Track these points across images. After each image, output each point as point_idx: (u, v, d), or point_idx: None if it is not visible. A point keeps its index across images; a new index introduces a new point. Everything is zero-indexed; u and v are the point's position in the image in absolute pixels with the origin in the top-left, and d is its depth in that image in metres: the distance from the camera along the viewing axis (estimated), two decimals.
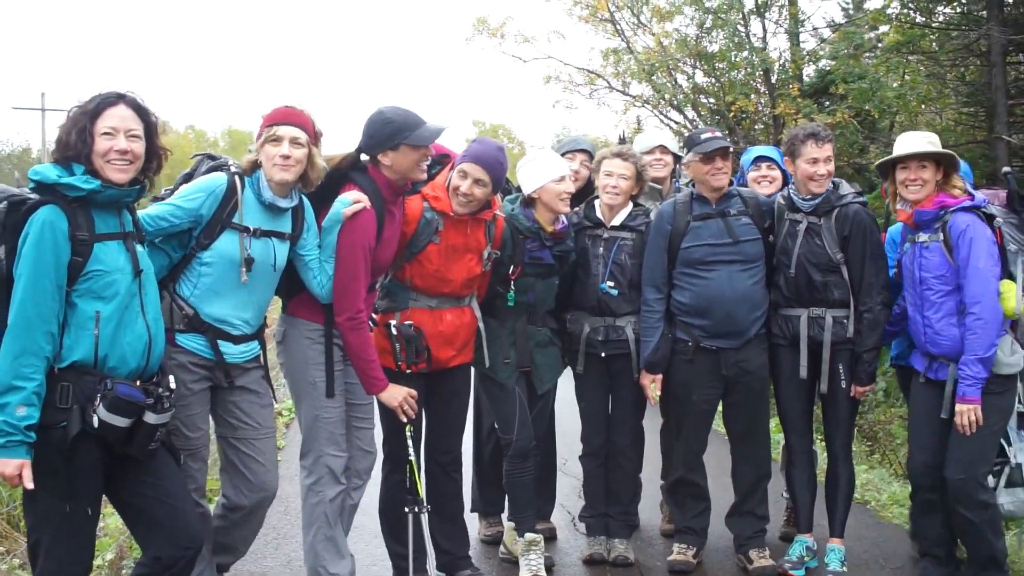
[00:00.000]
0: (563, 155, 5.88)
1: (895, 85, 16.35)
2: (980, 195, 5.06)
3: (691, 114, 18.15)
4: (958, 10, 15.43)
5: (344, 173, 4.71)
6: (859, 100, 15.29)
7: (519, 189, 5.53)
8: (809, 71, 17.58)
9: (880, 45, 16.60)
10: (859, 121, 15.63)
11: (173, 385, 3.85)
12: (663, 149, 6.24)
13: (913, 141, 5.10)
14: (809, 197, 5.34)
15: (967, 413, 4.83)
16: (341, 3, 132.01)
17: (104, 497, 3.86)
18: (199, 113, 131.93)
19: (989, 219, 4.95)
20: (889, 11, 16.24)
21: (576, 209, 5.66)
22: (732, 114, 16.54)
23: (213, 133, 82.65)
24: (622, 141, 7.04)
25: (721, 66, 16.99)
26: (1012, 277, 4.95)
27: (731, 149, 5.43)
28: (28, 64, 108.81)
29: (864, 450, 10.46)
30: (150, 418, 3.65)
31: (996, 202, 5.16)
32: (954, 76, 16.23)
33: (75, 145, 3.56)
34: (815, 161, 5.29)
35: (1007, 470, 5.07)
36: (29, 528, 3.68)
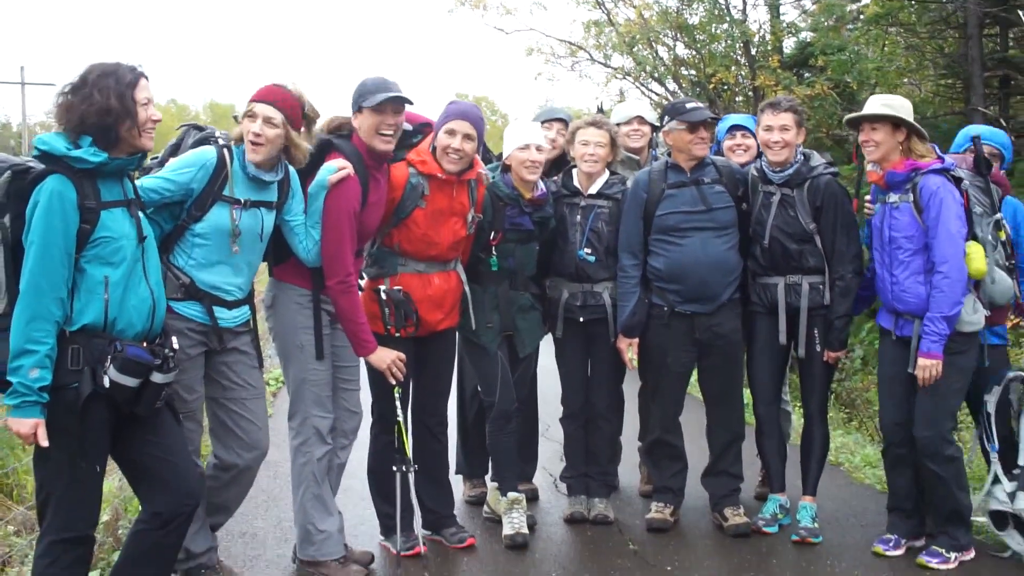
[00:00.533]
0: (541, 124, 6.03)
1: (874, 57, 16.50)
2: (949, 159, 5.21)
3: (672, 86, 18.23)
4: None
5: (328, 140, 4.85)
6: (838, 72, 15.41)
7: (499, 157, 5.68)
8: (789, 43, 17.68)
9: (862, 17, 16.69)
10: (838, 93, 15.76)
11: (176, 346, 3.98)
12: (640, 120, 6.37)
13: (870, 104, 5.27)
14: (779, 169, 5.50)
15: (929, 368, 5.01)
16: None
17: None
18: (180, 87, 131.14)
19: (957, 182, 5.11)
20: None
21: (555, 178, 5.81)
22: (712, 86, 16.63)
23: (195, 107, 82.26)
24: (600, 111, 7.17)
25: (702, 38, 17.07)
26: (977, 239, 5.11)
27: (712, 120, 5.57)
28: (7, 38, 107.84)
29: (842, 416, 10.67)
30: (157, 378, 3.78)
31: (964, 166, 5.30)
32: (932, 48, 16.35)
33: (124, 112, 3.67)
34: (769, 129, 5.46)
35: (1019, 473, 5.22)
36: (38, 484, 3.80)
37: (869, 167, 5.30)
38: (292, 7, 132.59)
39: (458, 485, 6.23)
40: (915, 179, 5.09)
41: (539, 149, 5.38)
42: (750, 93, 16.60)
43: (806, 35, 17.44)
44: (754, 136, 5.99)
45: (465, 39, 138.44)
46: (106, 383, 3.67)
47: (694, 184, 5.55)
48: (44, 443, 3.57)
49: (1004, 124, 13.73)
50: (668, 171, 5.62)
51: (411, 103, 4.92)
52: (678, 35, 17.57)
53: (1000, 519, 5.25)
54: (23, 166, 3.68)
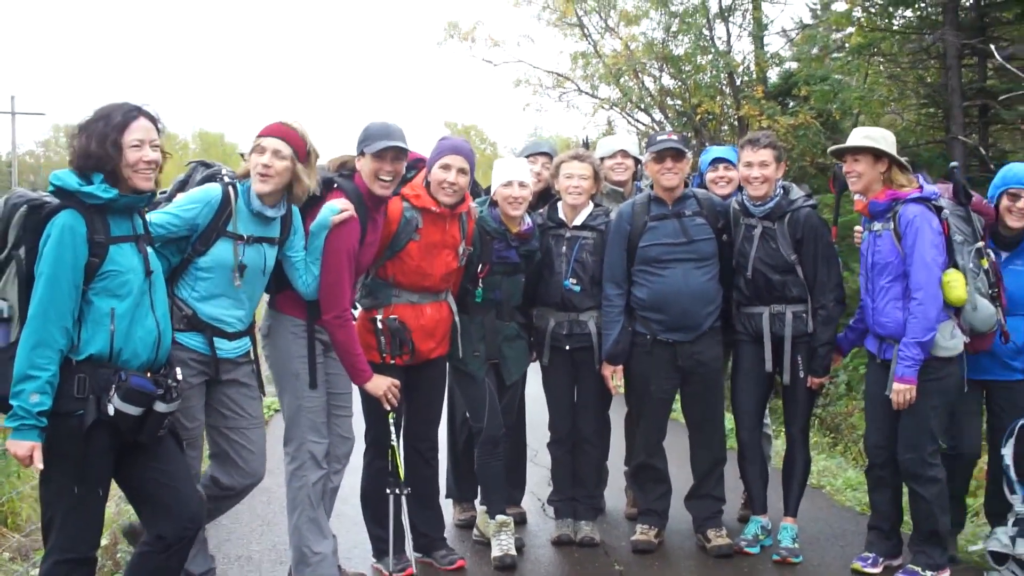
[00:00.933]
0: (527, 158, 6.25)
1: (857, 87, 16.77)
2: (930, 188, 5.36)
3: (658, 116, 18.47)
4: (916, 14, 15.79)
5: (330, 179, 5.04)
6: (821, 102, 15.69)
7: (487, 191, 5.88)
8: (774, 73, 17.94)
9: (846, 46, 16.96)
10: (822, 122, 16.01)
11: (180, 376, 4.14)
12: (624, 154, 6.55)
13: (853, 136, 5.46)
14: (760, 203, 5.70)
15: (903, 392, 5.18)
16: (313, 6, 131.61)
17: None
18: (169, 115, 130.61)
19: (938, 211, 5.27)
20: (853, 14, 16.60)
21: (540, 211, 6.01)
22: (698, 116, 16.88)
23: (184, 136, 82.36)
24: (585, 145, 7.37)
25: (687, 69, 17.32)
26: (958, 267, 5.26)
27: (685, 152, 5.74)
28: None
29: (827, 441, 10.87)
30: (160, 407, 3.92)
31: (945, 195, 5.46)
32: (913, 78, 16.62)
33: (104, 156, 3.81)
34: (749, 165, 5.68)
35: (1012, 519, 5.32)
36: (43, 507, 3.93)
37: (856, 197, 5.49)
38: (283, 36, 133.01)
39: (448, 509, 6.37)
40: (896, 208, 5.27)
41: (522, 185, 5.57)
42: (735, 123, 16.83)
43: (790, 65, 17.70)
44: (736, 168, 6.16)
45: (454, 69, 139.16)
46: (110, 411, 3.80)
47: (676, 216, 5.74)
48: (40, 466, 3.70)
49: (984, 152, 14.00)
50: (651, 204, 5.81)
51: (408, 152, 5.11)
52: (664, 66, 17.81)
53: (999, 556, 5.36)
54: (39, 201, 3.84)
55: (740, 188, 5.94)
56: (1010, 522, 5.27)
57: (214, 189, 4.55)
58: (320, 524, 5.08)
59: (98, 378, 3.83)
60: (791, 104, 16.76)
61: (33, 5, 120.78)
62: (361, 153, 5.03)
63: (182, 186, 4.71)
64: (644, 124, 19.12)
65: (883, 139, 5.39)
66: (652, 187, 5.94)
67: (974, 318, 5.30)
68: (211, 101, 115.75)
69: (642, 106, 18.31)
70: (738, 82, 17.12)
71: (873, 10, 16.27)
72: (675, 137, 5.80)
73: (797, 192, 5.78)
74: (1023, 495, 5.28)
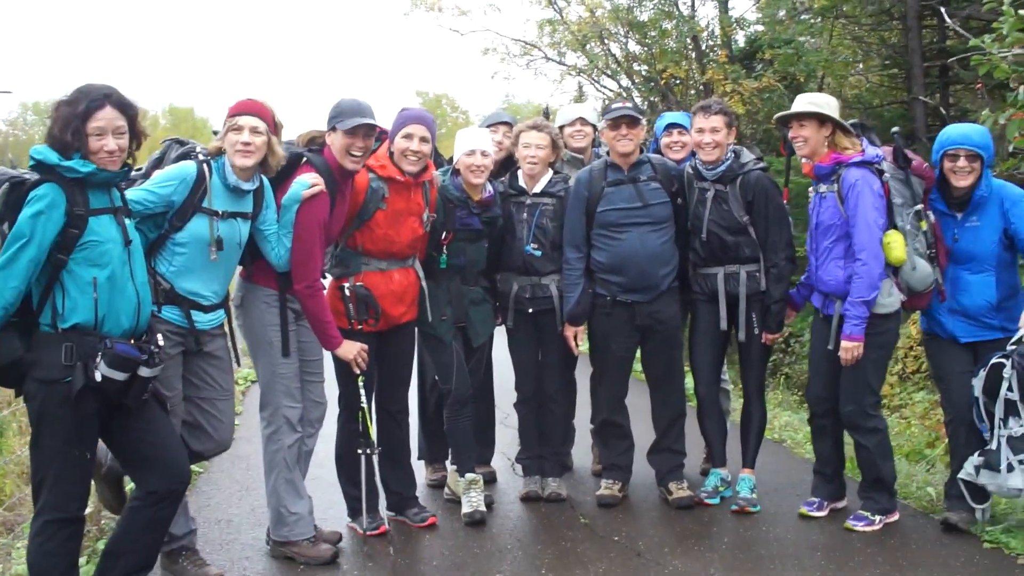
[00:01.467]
0: (488, 128, 6.45)
1: (821, 49, 16.97)
2: (874, 151, 5.58)
3: (625, 82, 18.60)
4: None
5: (300, 154, 5.23)
6: (785, 65, 15.89)
7: (450, 161, 6.08)
8: (741, 37, 18.10)
9: (813, 7, 17.11)
10: (786, 85, 16.22)
11: (161, 342, 4.36)
12: (583, 121, 6.77)
13: (797, 102, 5.69)
14: (711, 167, 5.91)
15: (851, 349, 5.45)
16: None
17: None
18: (139, 91, 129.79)
19: (880, 173, 5.51)
20: None
21: (502, 179, 6.21)
22: (664, 81, 17.05)
23: (154, 111, 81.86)
24: (546, 115, 7.57)
25: (653, 34, 17.44)
26: (897, 228, 5.50)
27: (639, 119, 5.95)
28: None
29: (796, 399, 11.15)
30: (144, 372, 4.14)
31: (888, 158, 5.68)
32: (875, 39, 16.85)
33: (70, 143, 4.00)
34: (701, 131, 5.89)
35: (987, 451, 5.46)
36: (33, 469, 4.18)
37: (803, 160, 5.72)
38: (250, 10, 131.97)
39: (420, 470, 6.60)
40: (839, 171, 5.51)
41: (484, 154, 5.77)
42: (701, 87, 17.00)
43: (756, 28, 17.85)
44: (689, 133, 6.33)
45: (424, 38, 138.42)
46: (97, 377, 4.01)
47: (631, 182, 5.96)
48: None
49: (944, 112, 14.26)
50: (607, 170, 6.02)
51: (377, 128, 5.30)
52: (629, 32, 17.93)
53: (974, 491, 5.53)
54: (20, 178, 4.02)
55: (694, 153, 6.14)
56: (976, 452, 5.46)
57: (189, 167, 4.72)
58: (296, 485, 5.30)
59: (84, 346, 4.03)
60: (758, 67, 16.92)
61: None
62: (333, 128, 5.21)
63: (157, 163, 4.88)
64: (611, 90, 19.29)
65: (827, 104, 5.61)
66: (609, 153, 6.15)
67: (912, 277, 5.54)
68: (180, 76, 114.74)
69: (608, 72, 18.45)
70: (703, 47, 17.26)
71: None
72: (629, 105, 6.01)
73: (748, 155, 6.00)
74: (989, 425, 5.43)
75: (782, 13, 17.58)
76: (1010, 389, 5.23)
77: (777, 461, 7.20)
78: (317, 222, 5.09)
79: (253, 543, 5.64)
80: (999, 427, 5.32)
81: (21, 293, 3.96)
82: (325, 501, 6.08)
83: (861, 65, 17.60)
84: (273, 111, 4.92)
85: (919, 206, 5.58)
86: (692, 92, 17.91)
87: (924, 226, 5.58)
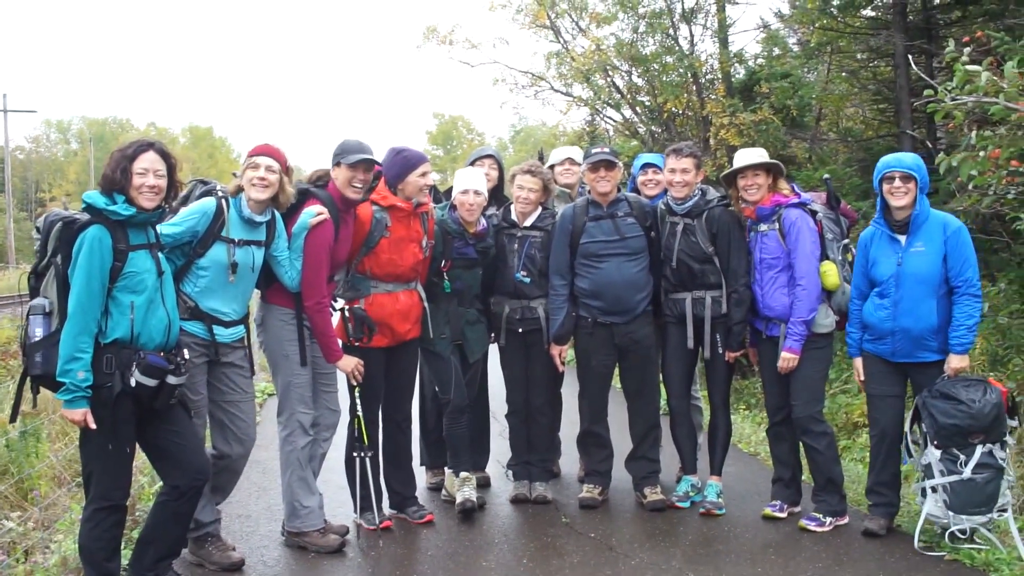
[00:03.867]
0: (474, 162, 7.23)
1: (815, 83, 17.56)
2: (805, 195, 6.44)
3: (628, 113, 19.15)
4: (870, 14, 16.58)
5: (306, 189, 5.96)
6: (781, 98, 16.48)
7: (447, 195, 6.83)
8: (741, 69, 18.58)
9: (808, 44, 17.68)
10: (782, 118, 16.78)
11: (187, 356, 5.11)
12: (571, 161, 7.62)
13: (748, 155, 6.46)
14: (680, 202, 6.60)
15: (789, 360, 6.27)
16: (302, 5, 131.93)
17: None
18: (160, 111, 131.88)
19: (813, 213, 6.32)
20: (811, 13, 17.25)
21: (496, 211, 6.93)
22: (665, 114, 17.61)
23: (174, 130, 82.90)
24: (540, 158, 8.35)
25: (655, 68, 17.99)
26: (829, 259, 6.28)
27: (616, 163, 6.63)
28: None
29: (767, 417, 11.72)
30: (171, 379, 4.90)
31: (819, 201, 6.49)
32: (866, 75, 17.46)
33: (119, 180, 4.77)
34: (673, 171, 6.60)
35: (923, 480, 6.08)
36: (84, 463, 4.92)
37: (743, 204, 6.46)
38: (272, 35, 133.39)
39: (421, 475, 7.29)
40: (779, 211, 6.31)
41: (477, 193, 6.50)
42: (700, 120, 17.54)
43: (754, 63, 18.37)
44: (663, 172, 7.03)
45: (439, 64, 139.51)
46: (132, 383, 4.78)
47: (610, 217, 6.65)
48: (93, 426, 4.67)
49: (930, 146, 14.86)
50: (589, 206, 6.72)
51: (377, 164, 6.01)
52: (633, 65, 18.49)
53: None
54: (71, 218, 4.79)
55: (666, 190, 6.84)
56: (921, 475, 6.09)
57: (210, 202, 5.47)
58: (308, 482, 6.01)
59: (122, 357, 4.80)
60: (759, 99, 17.39)
61: (25, 3, 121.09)
62: (337, 163, 5.95)
63: (184, 201, 5.59)
64: (615, 121, 19.85)
65: (766, 156, 6.47)
66: (590, 192, 6.85)
67: (843, 301, 6.34)
68: (201, 96, 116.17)
69: (612, 103, 19.00)
70: (703, 81, 17.80)
71: (832, 10, 17.01)
72: (607, 150, 6.70)
73: (713, 193, 6.70)
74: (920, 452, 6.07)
75: (777, 51, 18.14)
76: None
77: (749, 471, 7.87)
78: (323, 246, 5.84)
79: (269, 535, 6.34)
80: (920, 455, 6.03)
81: (100, 321, 4.72)
82: (336, 502, 6.75)
83: (854, 99, 18.15)
84: (286, 156, 5.70)
85: (847, 240, 6.39)
86: (692, 123, 18.37)
87: (850, 257, 6.38)
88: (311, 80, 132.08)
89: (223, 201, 5.50)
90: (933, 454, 5.88)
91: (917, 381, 6.11)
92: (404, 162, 6.23)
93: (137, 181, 4.81)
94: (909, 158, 6.04)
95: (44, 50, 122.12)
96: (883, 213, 6.10)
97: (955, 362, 5.89)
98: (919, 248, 5.96)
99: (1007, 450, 5.86)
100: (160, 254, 5.02)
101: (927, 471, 5.96)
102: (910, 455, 6.14)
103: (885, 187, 6.01)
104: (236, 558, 5.72)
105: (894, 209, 6.01)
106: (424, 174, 6.21)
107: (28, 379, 4.84)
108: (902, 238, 6.02)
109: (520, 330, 6.86)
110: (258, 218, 5.59)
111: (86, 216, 4.77)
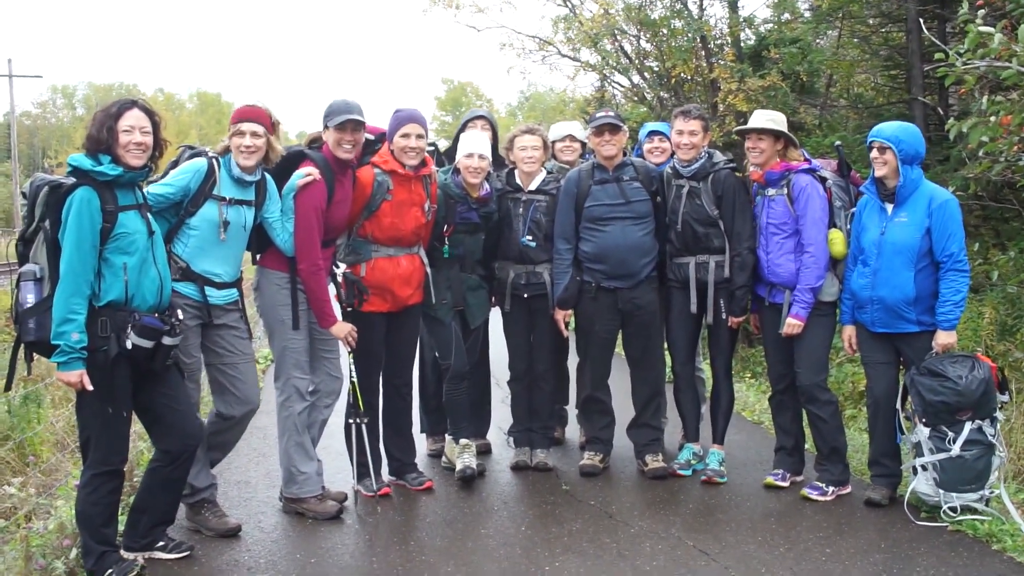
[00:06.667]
0: (467, 122, 7.09)
1: (826, 48, 17.34)
2: (816, 162, 6.33)
3: (636, 78, 18.94)
4: None
5: (301, 151, 5.91)
6: (790, 64, 16.28)
7: (450, 159, 6.74)
8: (749, 35, 18.35)
9: (821, 8, 17.43)
10: (791, 83, 16.58)
11: (181, 316, 5.06)
12: (572, 138, 7.49)
13: (756, 118, 6.35)
14: (686, 165, 6.52)
15: (794, 327, 6.19)
16: None
17: None
18: (167, 76, 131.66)
19: (823, 180, 6.22)
20: None
21: (499, 175, 6.84)
22: (673, 79, 17.42)
23: (181, 96, 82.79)
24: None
25: (663, 33, 17.78)
26: (837, 227, 6.19)
27: (620, 126, 6.56)
28: None
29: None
30: (167, 340, 4.86)
31: (829, 168, 6.39)
32: (878, 40, 17.25)
33: (104, 139, 4.72)
34: (680, 133, 6.51)
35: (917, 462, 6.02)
36: (80, 428, 4.90)
37: (751, 168, 6.37)
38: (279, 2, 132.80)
39: (422, 442, 7.24)
40: (788, 177, 6.19)
41: (482, 157, 6.42)
42: (708, 85, 17.36)
43: (764, 27, 18.14)
44: (669, 140, 6.98)
45: (448, 29, 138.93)
46: (128, 345, 4.74)
47: (615, 181, 6.57)
48: (89, 387, 4.62)
49: (941, 112, 14.71)
50: (594, 170, 6.64)
51: (364, 123, 5.92)
52: (641, 30, 18.27)
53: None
54: (57, 182, 4.73)
55: (672, 157, 6.76)
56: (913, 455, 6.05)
57: (201, 161, 5.43)
58: (306, 448, 5.96)
59: (117, 319, 4.75)
60: (768, 64, 17.18)
61: None
62: (326, 126, 5.87)
63: (174, 165, 5.55)
64: (623, 86, 19.62)
65: (782, 122, 6.33)
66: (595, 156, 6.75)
67: None
68: (209, 62, 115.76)
69: (620, 69, 18.78)
70: (711, 45, 17.59)
71: None
72: (612, 114, 6.61)
73: (719, 156, 6.61)
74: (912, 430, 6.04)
75: (787, 16, 17.93)
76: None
77: (750, 439, 7.83)
78: (313, 207, 5.76)
79: (267, 501, 6.30)
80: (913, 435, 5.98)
81: (92, 283, 4.67)
82: (335, 468, 6.73)
83: (865, 65, 17.94)
84: (270, 112, 5.61)
85: (854, 209, 6.25)
86: (700, 89, 18.17)
87: None
88: (320, 45, 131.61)
89: (214, 161, 5.45)
90: (922, 432, 5.86)
91: (905, 353, 6.08)
92: (393, 122, 6.16)
93: (123, 139, 4.77)
94: (890, 128, 5.95)
95: (49, 14, 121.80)
96: (874, 181, 6.06)
97: (942, 338, 5.86)
98: (902, 219, 5.92)
99: (997, 426, 5.82)
100: (150, 215, 4.97)
101: (917, 449, 5.92)
102: (902, 432, 6.09)
103: (870, 156, 6.02)
104: (232, 524, 5.67)
105: (880, 178, 5.99)
106: (406, 135, 6.07)
107: (22, 346, 4.79)
108: (889, 207, 5.99)
109: (525, 295, 6.79)
110: (248, 177, 5.53)
111: (72, 180, 4.71)
